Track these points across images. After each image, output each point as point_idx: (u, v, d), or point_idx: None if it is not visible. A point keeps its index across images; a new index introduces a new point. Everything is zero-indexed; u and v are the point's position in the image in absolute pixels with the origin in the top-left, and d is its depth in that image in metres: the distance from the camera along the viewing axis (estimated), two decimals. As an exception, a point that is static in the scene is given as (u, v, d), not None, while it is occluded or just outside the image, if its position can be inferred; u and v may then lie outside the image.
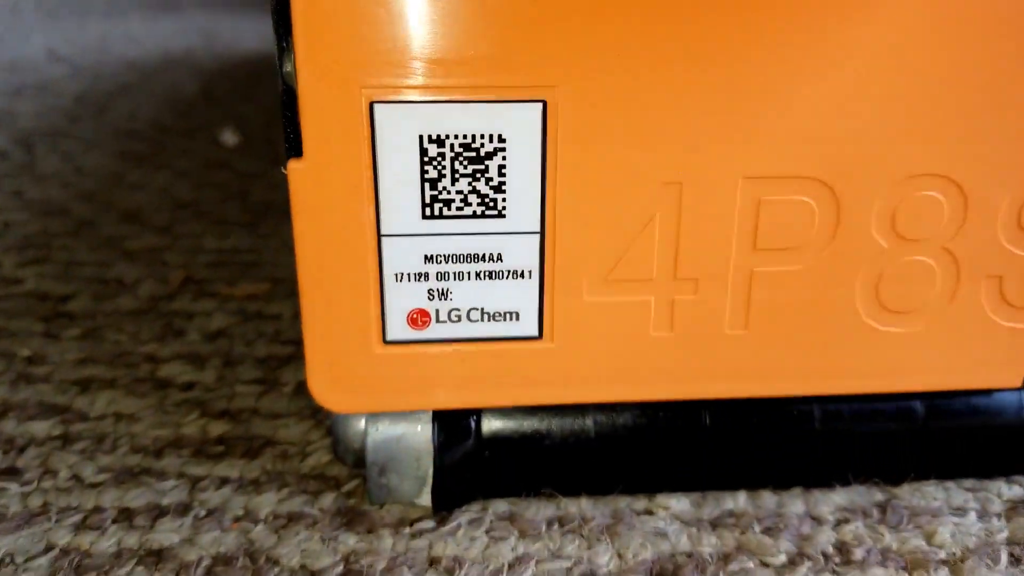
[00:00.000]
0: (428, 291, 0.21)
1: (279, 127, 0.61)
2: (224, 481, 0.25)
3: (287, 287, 0.36)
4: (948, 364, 0.23)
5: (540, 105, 0.19)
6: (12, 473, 0.26)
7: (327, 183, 0.20)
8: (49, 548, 0.23)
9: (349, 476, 0.25)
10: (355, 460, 0.24)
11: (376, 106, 0.19)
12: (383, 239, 0.20)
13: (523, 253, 0.21)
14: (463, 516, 0.24)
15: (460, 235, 0.21)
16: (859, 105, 0.20)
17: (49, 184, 0.49)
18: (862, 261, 0.21)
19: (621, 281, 0.21)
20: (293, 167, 0.20)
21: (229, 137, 0.56)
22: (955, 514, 0.23)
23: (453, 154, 0.20)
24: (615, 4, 0.18)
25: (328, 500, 0.24)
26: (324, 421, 0.28)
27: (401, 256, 0.21)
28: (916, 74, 0.19)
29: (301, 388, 0.29)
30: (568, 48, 0.19)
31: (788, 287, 0.21)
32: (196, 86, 0.71)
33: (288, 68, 0.19)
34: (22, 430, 0.27)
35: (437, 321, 0.21)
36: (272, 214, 0.44)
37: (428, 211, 0.20)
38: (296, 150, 0.20)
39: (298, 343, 0.32)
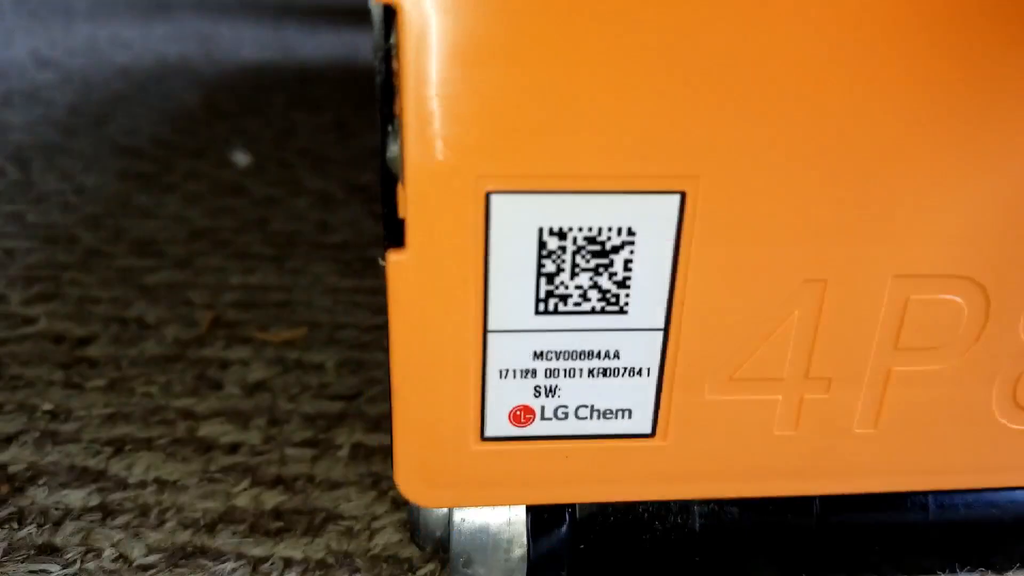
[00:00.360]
0: (535, 388, 0.19)
1: (292, 146, 0.59)
2: (288, 563, 0.23)
3: (325, 332, 0.34)
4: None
5: (678, 197, 0.18)
6: (51, 551, 0.23)
7: (431, 276, 0.18)
8: (102, 645, 0.21)
9: (424, 558, 0.23)
10: (436, 547, 0.23)
11: (493, 196, 0.17)
12: (489, 334, 0.19)
13: (643, 350, 0.19)
14: (553, 610, 0.22)
15: (575, 331, 0.19)
16: (1016, 204, 0.18)
17: (50, 206, 0.46)
18: (1005, 360, 0.20)
19: (748, 380, 0.20)
20: (393, 259, 0.18)
21: (240, 157, 0.53)
22: (1070, 611, 0.22)
23: (575, 247, 0.18)
24: (765, 92, 0.17)
25: (403, 588, 0.23)
26: (388, 492, 0.26)
27: (507, 353, 0.19)
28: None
29: (357, 452, 0.27)
30: (714, 136, 0.17)
31: (925, 386, 0.20)
32: (197, 97, 0.69)
33: (391, 154, 0.17)
34: (56, 500, 0.25)
35: (542, 418, 0.20)
36: (296, 247, 0.42)
37: (542, 307, 0.19)
38: (397, 240, 0.18)
39: (347, 398, 0.30)
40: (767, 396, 0.20)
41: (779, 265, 0.19)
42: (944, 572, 0.23)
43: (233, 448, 0.27)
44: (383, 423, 0.28)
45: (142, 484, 0.26)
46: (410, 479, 0.20)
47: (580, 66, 0.16)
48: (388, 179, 0.18)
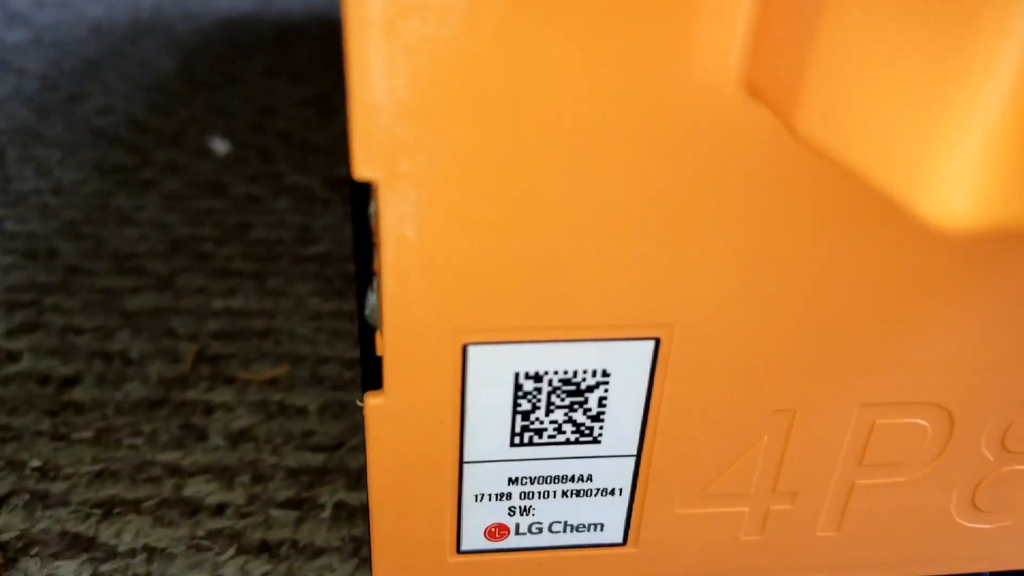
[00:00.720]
0: (509, 508, 0.20)
1: (271, 128, 0.58)
2: (274, 642, 0.24)
3: (307, 369, 0.34)
4: (1027, 551, 0.23)
5: (653, 343, 0.18)
6: (46, 633, 0.24)
7: (408, 418, 0.18)
8: None
9: (404, 636, 0.24)
10: (415, 632, 0.24)
11: (470, 348, 0.17)
12: (465, 465, 0.19)
13: (615, 474, 0.20)
14: None
15: (549, 459, 0.19)
16: (987, 331, 0.19)
17: (28, 210, 0.46)
18: (965, 471, 0.21)
19: (716, 495, 0.20)
20: (371, 402, 0.18)
21: (219, 145, 0.53)
22: None
23: (551, 388, 0.18)
24: (739, 243, 0.17)
25: (386, 668, 0.24)
26: (368, 559, 0.27)
27: (483, 480, 0.19)
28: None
29: (339, 512, 0.28)
30: (688, 287, 0.17)
31: (887, 496, 0.21)
32: (172, 63, 0.67)
33: (370, 305, 0.17)
34: (48, 572, 0.26)
35: (516, 533, 0.20)
36: (278, 261, 0.41)
37: (517, 440, 0.19)
38: (375, 383, 0.18)
39: (330, 449, 0.30)
40: (734, 508, 0.21)
41: (749, 399, 0.19)
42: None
43: (219, 509, 0.28)
44: (364, 478, 0.29)
45: (132, 552, 0.27)
46: (389, 587, 0.21)
47: (552, 232, 0.16)
48: (366, 326, 0.18)
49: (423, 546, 0.21)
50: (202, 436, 0.31)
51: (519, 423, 0.19)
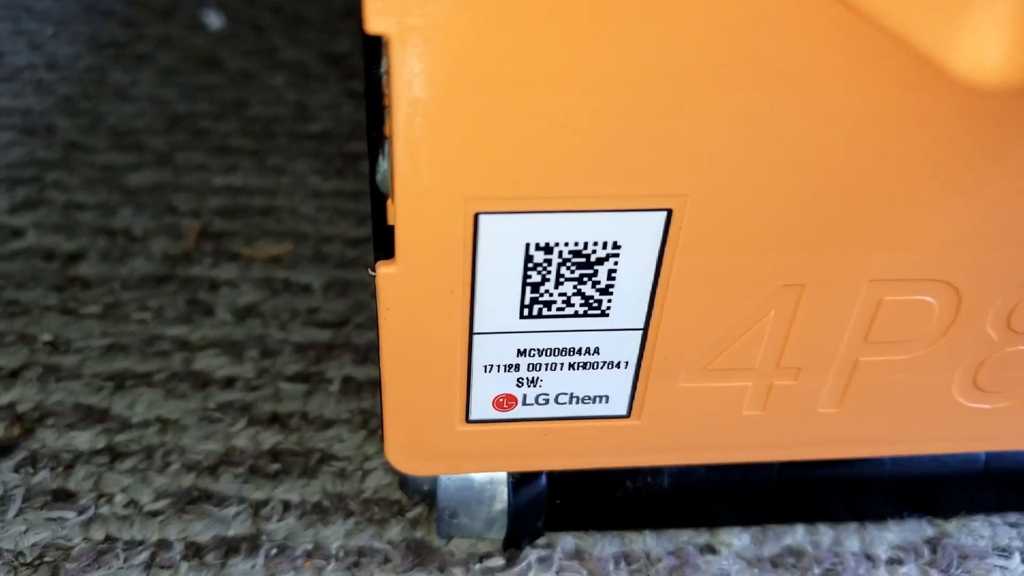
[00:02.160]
0: (517, 379, 0.20)
1: (263, 3, 0.56)
2: (287, 506, 0.25)
3: (310, 247, 0.34)
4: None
5: (664, 214, 0.18)
6: (65, 497, 0.25)
7: (420, 287, 0.18)
8: (124, 592, 0.23)
9: (412, 502, 0.25)
10: (423, 498, 0.24)
11: (481, 217, 0.17)
12: (475, 336, 0.19)
13: (622, 347, 0.20)
14: (532, 555, 0.24)
15: (557, 332, 0.19)
16: (995, 208, 0.18)
17: (23, 86, 0.45)
18: (970, 350, 0.21)
19: (721, 370, 0.20)
20: (383, 271, 0.18)
21: (213, 19, 0.51)
22: (1000, 555, 0.25)
23: (561, 260, 0.18)
24: (751, 110, 0.16)
25: (395, 531, 0.24)
26: (376, 431, 0.27)
27: (492, 351, 0.20)
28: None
29: (347, 386, 0.29)
30: (701, 155, 0.17)
31: (890, 373, 0.21)
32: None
33: (381, 172, 0.17)
34: (65, 443, 0.27)
35: (524, 404, 0.21)
36: (276, 139, 0.41)
37: (526, 312, 0.19)
38: (386, 252, 0.18)
39: (336, 326, 0.31)
40: (738, 383, 0.21)
41: (759, 272, 0.19)
42: (895, 518, 0.25)
43: (229, 383, 0.29)
44: (371, 353, 0.30)
45: (145, 424, 0.27)
46: (399, 454, 0.22)
47: (567, 92, 0.16)
48: (378, 193, 0.18)
49: (433, 414, 0.21)
50: (209, 311, 0.31)
51: (528, 295, 0.19)
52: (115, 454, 0.26)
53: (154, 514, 0.25)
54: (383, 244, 0.18)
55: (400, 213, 0.17)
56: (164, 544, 0.24)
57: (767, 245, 0.18)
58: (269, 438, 0.27)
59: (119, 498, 0.25)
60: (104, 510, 0.25)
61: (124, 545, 0.24)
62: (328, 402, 0.28)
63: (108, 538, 0.24)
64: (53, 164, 0.39)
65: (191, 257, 0.34)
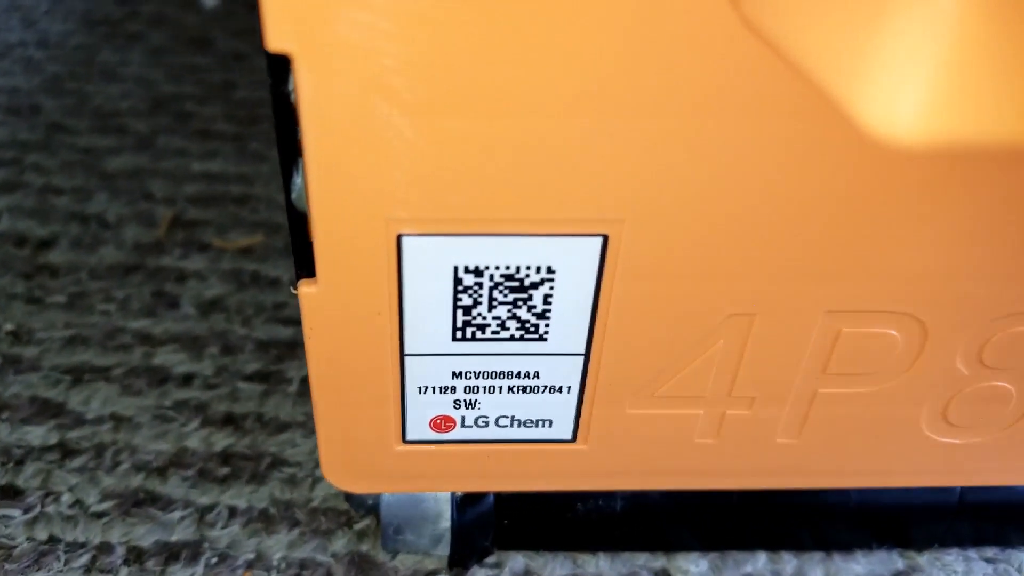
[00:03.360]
0: (454, 401, 0.19)
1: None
2: (233, 512, 0.24)
3: (282, 238, 0.33)
4: (1002, 465, 0.22)
5: (600, 240, 0.17)
6: (14, 495, 0.25)
7: (343, 307, 0.17)
8: (60, 596, 0.23)
9: (361, 513, 0.25)
10: (368, 511, 0.24)
11: (404, 238, 0.16)
12: (406, 358, 0.18)
13: (563, 372, 0.19)
14: (479, 574, 0.23)
15: (494, 355, 0.19)
16: (962, 244, 0.17)
17: (12, 64, 0.44)
18: (938, 385, 0.20)
19: (669, 397, 0.19)
20: (305, 290, 0.17)
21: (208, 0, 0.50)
22: (971, 591, 0.24)
23: (492, 283, 0.17)
24: (692, 132, 0.15)
25: (341, 543, 0.24)
26: (332, 436, 0.27)
27: (425, 373, 0.19)
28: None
29: (305, 387, 0.28)
30: (639, 179, 0.16)
31: (852, 406, 0.20)
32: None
33: (296, 194, 0.16)
34: (18, 437, 0.26)
35: (462, 426, 0.20)
36: (258, 125, 0.40)
37: (459, 334, 0.18)
38: (307, 270, 0.17)
39: (300, 323, 0.30)
40: (688, 411, 0.20)
41: (704, 301, 0.18)
42: (863, 549, 0.24)
43: (186, 380, 0.28)
44: (336, 354, 0.29)
45: (99, 420, 0.27)
46: (335, 472, 0.21)
47: (486, 113, 0.15)
48: (295, 209, 0.17)
49: (368, 434, 0.20)
50: (174, 304, 0.31)
51: (460, 318, 0.18)
52: (66, 451, 0.26)
53: (99, 515, 0.24)
54: (304, 262, 0.17)
55: (318, 233, 0.16)
56: (106, 547, 0.24)
57: (712, 273, 0.17)
58: (221, 440, 0.26)
59: (66, 497, 0.25)
60: (50, 509, 0.24)
61: (66, 547, 0.23)
62: (284, 404, 0.27)
63: (51, 538, 0.24)
64: (34, 146, 0.38)
65: (162, 246, 0.33)
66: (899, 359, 0.19)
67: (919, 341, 0.19)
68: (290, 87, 0.15)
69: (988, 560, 0.24)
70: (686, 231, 0.17)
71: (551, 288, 0.17)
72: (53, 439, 0.26)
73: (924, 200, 0.16)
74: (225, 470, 0.25)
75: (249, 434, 0.26)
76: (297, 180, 0.16)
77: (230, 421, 0.27)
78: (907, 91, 0.09)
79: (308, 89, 0.14)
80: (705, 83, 0.15)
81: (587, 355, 0.19)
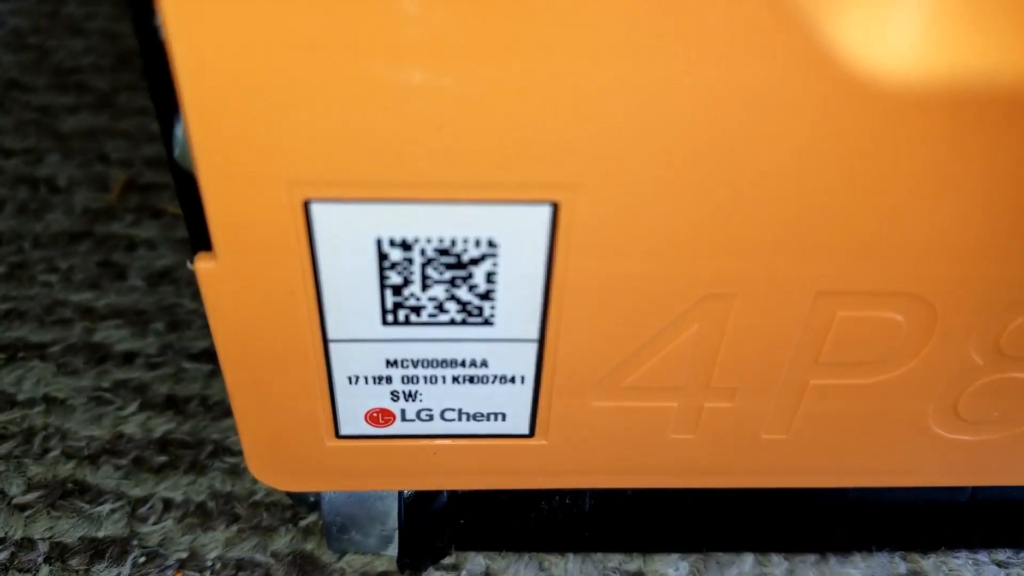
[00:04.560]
0: (391, 392, 0.17)
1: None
2: (168, 505, 0.22)
3: (245, 204, 0.31)
4: (1020, 464, 0.19)
5: (549, 208, 0.14)
6: (-70, 484, 0.23)
7: (248, 285, 0.15)
8: (-28, 597, 0.21)
9: (308, 508, 0.22)
10: (311, 508, 0.22)
11: (313, 205, 0.14)
12: (330, 344, 0.16)
13: (515, 360, 0.16)
14: (433, 577, 0.21)
15: (433, 341, 0.16)
16: (975, 219, 0.14)
17: (-29, 15, 0.42)
18: (948, 376, 0.17)
19: (638, 388, 0.17)
20: (202, 266, 0.15)
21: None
22: (982, 602, 0.21)
23: (425, 259, 0.15)
24: (658, 77, 0.13)
25: (283, 542, 0.22)
26: (282, 421, 0.24)
27: (355, 361, 0.16)
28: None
29: (257, 368, 0.26)
30: (589, 138, 0.13)
31: (848, 399, 0.17)
32: None
33: (179, 151, 0.14)
34: (-61, 420, 0.24)
35: (403, 420, 0.18)
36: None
37: (390, 318, 0.16)
38: (203, 243, 0.15)
39: (255, 297, 0.28)
40: (660, 404, 0.18)
41: (674, 280, 0.15)
42: (861, 551, 0.22)
43: (128, 358, 0.26)
44: (291, 330, 0.26)
45: (30, 403, 0.25)
46: (261, 468, 0.19)
47: (404, 57, 0.12)
48: (180, 170, 0.14)
49: (295, 427, 0.18)
50: (121, 275, 0.28)
51: (390, 299, 0.15)
52: (-8, 436, 0.24)
53: (22, 508, 0.22)
54: (199, 233, 0.15)
55: (208, 199, 0.14)
56: (27, 543, 0.21)
57: (682, 249, 0.15)
58: (161, 425, 0.24)
59: (-13, 488, 0.23)
60: (-30, 500, 0.22)
61: (-17, 543, 0.22)
62: (233, 385, 0.25)
63: (-32, 533, 0.22)
64: (-12, 103, 0.36)
65: (113, 212, 0.31)
66: (903, 347, 0.17)
67: (927, 327, 0.16)
68: (158, 21, 0.12)
69: (1000, 564, 0.22)
70: (649, 200, 0.14)
71: (494, 265, 0.15)
72: (-21, 422, 0.24)
73: (932, 162, 0.13)
74: (162, 459, 0.23)
75: (191, 419, 0.24)
76: (179, 132, 0.14)
77: (171, 404, 0.25)
78: (893, 21, 0.06)
79: (178, 26, 0.12)
80: (670, 21, 0.12)
81: (541, 341, 0.16)
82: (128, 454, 0.23)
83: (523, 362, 0.17)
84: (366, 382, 0.17)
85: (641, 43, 0.12)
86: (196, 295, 0.28)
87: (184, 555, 0.21)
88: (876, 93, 0.12)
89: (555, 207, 0.14)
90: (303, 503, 0.21)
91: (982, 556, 0.22)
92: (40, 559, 0.21)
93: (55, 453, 0.23)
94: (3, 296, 0.28)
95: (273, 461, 0.18)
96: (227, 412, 0.24)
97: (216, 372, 0.25)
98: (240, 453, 0.23)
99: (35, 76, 0.38)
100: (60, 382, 0.25)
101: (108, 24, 0.41)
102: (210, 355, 0.26)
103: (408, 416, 0.18)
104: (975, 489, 0.21)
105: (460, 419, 0.18)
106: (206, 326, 0.27)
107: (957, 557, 0.22)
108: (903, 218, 0.14)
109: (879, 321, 0.16)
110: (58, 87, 0.37)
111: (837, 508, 0.21)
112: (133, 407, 0.24)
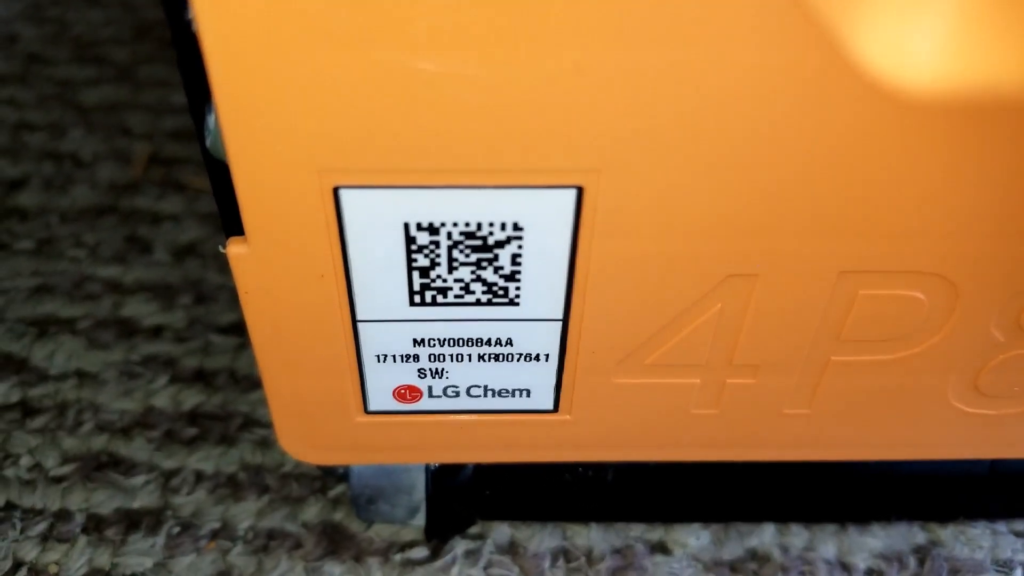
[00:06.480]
0: (418, 370, 0.17)
1: None
2: (199, 477, 0.23)
3: (267, 178, 0.31)
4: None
5: (574, 192, 0.14)
6: (-30, 457, 0.23)
7: (280, 269, 0.15)
8: (17, 566, 0.21)
9: (335, 479, 0.23)
10: (340, 478, 0.22)
11: (343, 192, 0.14)
12: (359, 324, 0.16)
13: (539, 339, 0.17)
14: (460, 546, 0.22)
15: (459, 321, 0.16)
16: (1002, 196, 0.14)
17: (-11, -13, 0.42)
18: (969, 352, 0.17)
19: (662, 366, 0.17)
20: (234, 251, 0.15)
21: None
22: (999, 571, 0.21)
23: (451, 242, 0.15)
24: (679, 69, 0.13)
25: (313, 512, 0.22)
26: (309, 394, 0.25)
27: (383, 340, 0.17)
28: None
29: (283, 341, 0.26)
30: (612, 124, 0.13)
31: (869, 375, 0.17)
32: None
33: (211, 140, 0.14)
34: (-23, 393, 0.25)
35: (430, 396, 0.18)
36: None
37: (418, 299, 0.16)
38: (235, 228, 0.15)
39: (279, 270, 0.28)
40: (684, 380, 0.18)
41: (698, 261, 0.15)
42: (880, 521, 0.22)
43: (156, 332, 0.26)
44: (316, 304, 0.27)
45: (63, 377, 0.25)
46: (293, 443, 0.19)
47: (436, 46, 0.12)
48: (214, 162, 0.15)
49: (325, 404, 0.18)
50: (146, 249, 0.29)
51: (417, 280, 0.16)
52: (27, 410, 0.24)
53: (58, 480, 0.23)
54: (232, 218, 0.15)
55: (240, 187, 0.14)
56: (64, 515, 0.22)
57: (705, 230, 0.15)
58: (190, 398, 0.25)
59: (25, 460, 0.23)
60: (9, 472, 0.23)
61: (22, 514, 0.22)
62: (260, 359, 0.26)
63: (8, 505, 0.22)
64: (10, 78, 0.36)
65: (137, 186, 0.31)
66: (925, 324, 0.17)
67: (948, 304, 0.16)
68: (190, 15, 0.12)
69: (1018, 534, 0.22)
70: (672, 182, 0.14)
71: (519, 247, 0.15)
72: (15, 397, 0.25)
73: (953, 144, 0.13)
74: (193, 431, 0.24)
75: (220, 392, 0.25)
76: (211, 122, 0.14)
77: (200, 378, 0.25)
78: (917, 30, 0.06)
79: (210, 18, 0.12)
80: (694, 7, 0.12)
81: (565, 321, 0.17)
82: (159, 427, 0.24)
83: (547, 341, 0.17)
84: (394, 360, 0.17)
85: (666, 29, 0.12)
86: (222, 269, 0.28)
87: (217, 525, 0.22)
88: (900, 87, 0.12)
89: (580, 191, 0.14)
90: (331, 474, 0.22)
91: (1000, 527, 0.22)
92: (77, 530, 0.22)
93: (88, 426, 0.24)
94: (33, 271, 0.28)
95: (304, 436, 0.19)
96: (255, 384, 0.25)
97: (244, 345, 0.26)
98: (269, 425, 0.24)
99: (56, 49, 0.38)
100: (91, 356, 0.26)
101: (125, -5, 0.41)
102: (237, 328, 0.26)
103: (435, 393, 0.18)
104: (994, 461, 0.21)
105: (486, 395, 0.18)
106: (233, 299, 0.27)
107: (975, 527, 0.22)
108: (925, 199, 0.14)
109: (901, 299, 0.16)
110: (79, 60, 0.37)
111: (856, 478, 0.22)
112: (163, 380, 0.25)
